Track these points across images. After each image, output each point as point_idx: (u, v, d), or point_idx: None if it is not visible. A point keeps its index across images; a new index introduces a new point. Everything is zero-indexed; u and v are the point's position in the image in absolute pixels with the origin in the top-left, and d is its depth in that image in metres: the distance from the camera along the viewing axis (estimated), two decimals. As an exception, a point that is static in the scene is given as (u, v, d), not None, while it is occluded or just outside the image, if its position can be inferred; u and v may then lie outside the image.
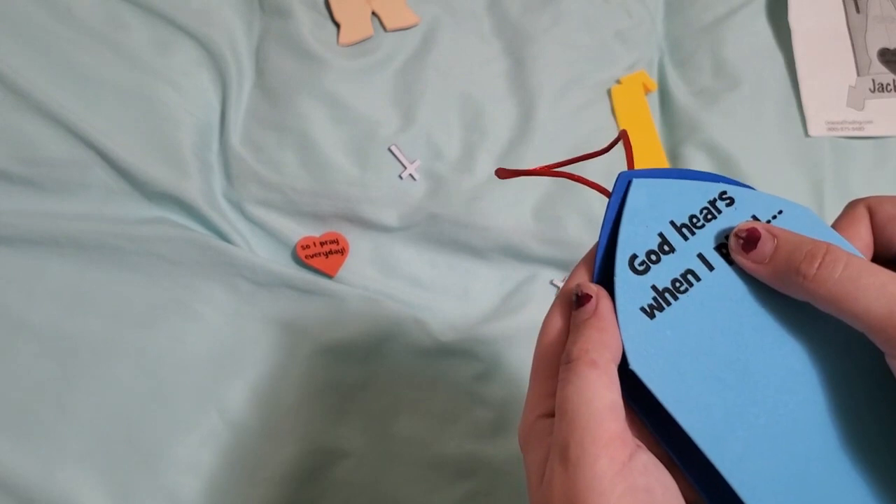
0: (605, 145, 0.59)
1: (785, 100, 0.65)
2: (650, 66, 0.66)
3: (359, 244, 0.56)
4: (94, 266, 0.52)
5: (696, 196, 0.26)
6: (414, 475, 0.52)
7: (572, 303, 0.25)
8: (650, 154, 0.63)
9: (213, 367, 0.52)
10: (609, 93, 0.64)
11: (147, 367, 0.51)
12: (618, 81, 0.64)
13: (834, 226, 0.26)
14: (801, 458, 0.23)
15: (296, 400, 0.52)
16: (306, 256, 0.55)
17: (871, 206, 0.26)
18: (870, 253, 0.26)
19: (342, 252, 0.55)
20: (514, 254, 0.57)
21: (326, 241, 0.55)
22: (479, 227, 0.56)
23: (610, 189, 0.27)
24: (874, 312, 0.21)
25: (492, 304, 0.57)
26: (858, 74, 0.66)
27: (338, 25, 0.61)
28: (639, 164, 0.62)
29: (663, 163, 0.62)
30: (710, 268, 0.25)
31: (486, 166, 0.59)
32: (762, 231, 0.24)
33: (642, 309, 0.24)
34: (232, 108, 0.57)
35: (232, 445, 0.51)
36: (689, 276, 0.25)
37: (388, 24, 0.61)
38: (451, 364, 0.54)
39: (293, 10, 0.60)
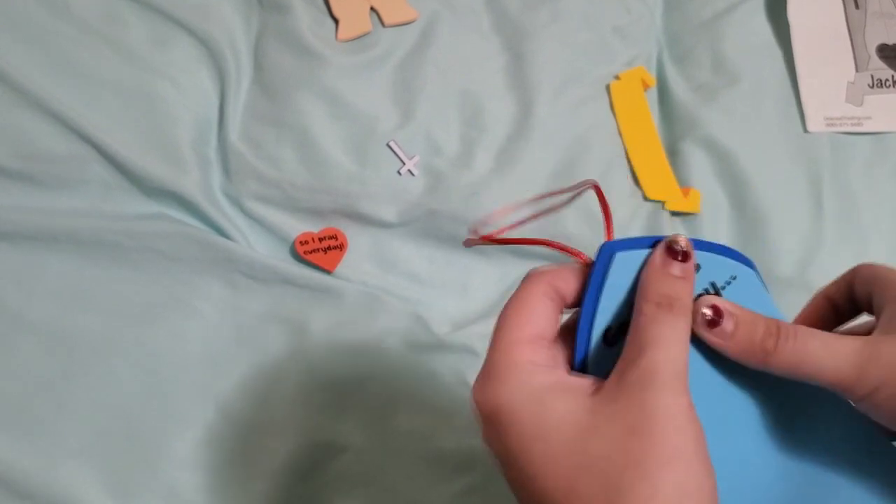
0: (601, 145, 0.59)
1: (784, 96, 0.65)
2: (649, 61, 0.66)
3: (357, 240, 0.56)
4: (93, 262, 0.52)
5: None
6: (412, 470, 0.52)
7: (673, 251, 0.26)
8: (649, 151, 0.63)
9: (212, 362, 0.52)
10: (608, 89, 0.64)
11: (146, 363, 0.51)
12: (616, 77, 0.64)
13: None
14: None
15: (294, 395, 0.52)
16: (305, 252, 0.55)
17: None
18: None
19: (341, 248, 0.56)
20: (513, 250, 0.57)
21: (325, 237, 0.55)
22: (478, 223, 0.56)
23: (590, 256, 0.28)
24: (828, 370, 0.25)
25: (490, 299, 0.57)
26: (857, 70, 0.66)
27: (336, 21, 0.61)
28: (639, 164, 0.62)
29: (663, 161, 0.62)
30: None
31: (484, 162, 0.59)
32: (723, 310, 0.26)
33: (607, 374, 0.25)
34: (230, 103, 0.57)
35: (231, 440, 0.51)
36: None
37: (387, 19, 0.61)
38: (450, 359, 0.54)
39: (292, 5, 0.59)
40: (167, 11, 0.58)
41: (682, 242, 0.26)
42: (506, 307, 0.27)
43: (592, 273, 0.26)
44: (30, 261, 0.52)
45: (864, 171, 0.64)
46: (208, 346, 0.52)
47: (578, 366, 0.26)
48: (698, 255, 0.27)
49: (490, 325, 0.56)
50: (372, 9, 0.61)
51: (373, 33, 0.61)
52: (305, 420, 0.52)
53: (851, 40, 0.67)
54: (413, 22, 0.62)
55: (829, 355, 0.25)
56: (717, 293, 0.27)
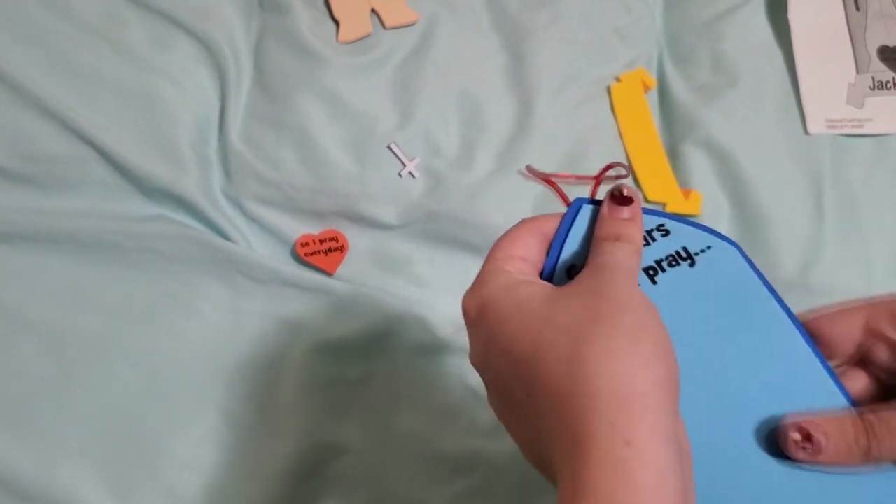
0: (602, 145, 0.59)
1: (784, 97, 0.65)
2: (649, 62, 0.66)
3: (358, 241, 0.56)
4: (93, 262, 0.52)
5: None
6: (413, 471, 0.52)
7: (609, 198, 0.29)
8: (650, 153, 0.62)
9: (212, 363, 0.52)
10: (608, 90, 0.64)
11: (146, 364, 0.51)
12: (617, 79, 0.64)
13: (821, 318, 0.30)
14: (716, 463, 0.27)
15: (295, 396, 0.52)
16: (306, 254, 0.55)
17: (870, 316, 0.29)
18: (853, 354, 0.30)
19: (341, 249, 0.55)
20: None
21: (326, 239, 0.55)
22: (479, 224, 0.56)
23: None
24: None
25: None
26: (858, 72, 0.66)
27: (337, 23, 0.61)
28: (639, 166, 0.63)
29: (663, 163, 0.62)
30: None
31: (485, 163, 0.59)
32: (808, 426, 0.26)
33: None
34: (231, 104, 0.57)
35: (231, 441, 0.51)
36: None
37: (388, 21, 0.61)
38: (451, 360, 0.54)
39: (292, 6, 0.59)
40: (167, 12, 0.58)
41: (625, 190, 0.29)
42: (498, 239, 0.30)
43: (563, 220, 0.30)
44: (30, 261, 0.52)
45: (865, 173, 0.64)
46: (208, 347, 0.52)
47: None
48: (669, 223, 0.30)
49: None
50: (373, 11, 0.61)
51: (373, 35, 0.61)
52: (306, 421, 0.52)
53: (852, 42, 0.67)
54: (414, 24, 0.62)
55: None
56: (690, 258, 0.29)
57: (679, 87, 0.65)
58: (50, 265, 0.52)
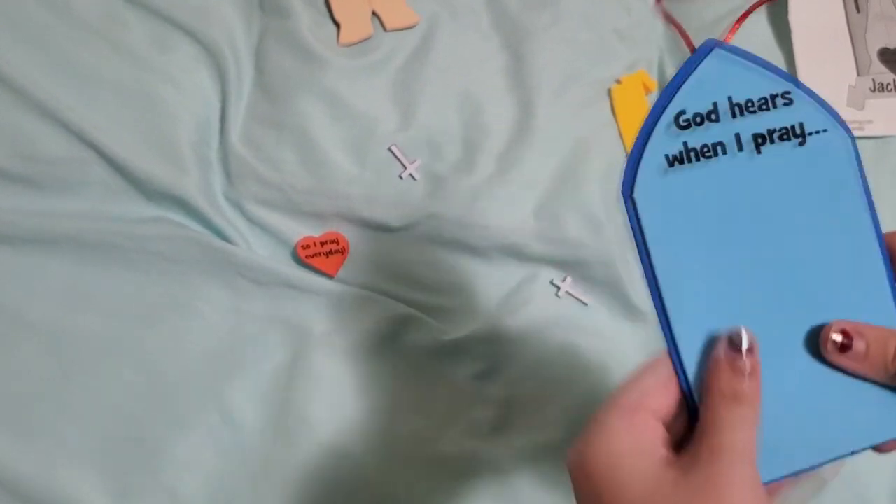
0: (602, 147, 0.59)
1: (785, 99, 0.65)
2: (650, 64, 0.66)
3: (359, 244, 0.56)
4: (93, 264, 0.52)
5: (762, 85, 0.28)
6: (414, 473, 0.52)
7: (727, 344, 0.27)
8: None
9: (213, 365, 0.52)
10: (609, 92, 0.64)
11: (146, 366, 0.51)
12: (618, 81, 0.64)
13: None
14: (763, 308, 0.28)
15: (296, 398, 0.52)
16: (306, 256, 0.55)
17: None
18: None
19: (342, 252, 0.55)
20: (515, 253, 0.57)
21: (326, 241, 0.55)
22: (480, 227, 0.56)
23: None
24: None
25: (492, 303, 0.57)
26: (858, 74, 0.66)
27: (338, 25, 0.61)
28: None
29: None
30: (739, 149, 0.28)
31: (485, 166, 0.59)
32: (852, 332, 0.27)
33: (666, 156, 0.27)
34: (231, 106, 0.57)
35: (232, 444, 0.51)
36: (719, 148, 0.27)
37: (389, 23, 0.61)
38: (452, 363, 0.54)
39: (292, 8, 0.59)
40: (168, 13, 0.58)
41: (745, 335, 0.27)
42: (624, 382, 0.28)
43: (688, 59, 0.28)
44: (30, 263, 0.52)
45: (866, 174, 0.63)
46: (209, 349, 0.52)
47: (641, 143, 0.27)
48: (795, 93, 0.28)
49: (491, 328, 0.56)
50: (373, 13, 0.61)
51: (374, 37, 0.61)
52: (306, 424, 0.52)
53: (853, 43, 0.67)
54: (414, 26, 0.62)
55: None
56: (804, 136, 0.28)
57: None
58: (50, 266, 0.52)
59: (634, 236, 0.27)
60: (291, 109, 0.57)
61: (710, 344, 0.27)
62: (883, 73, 0.66)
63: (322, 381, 0.53)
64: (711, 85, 0.27)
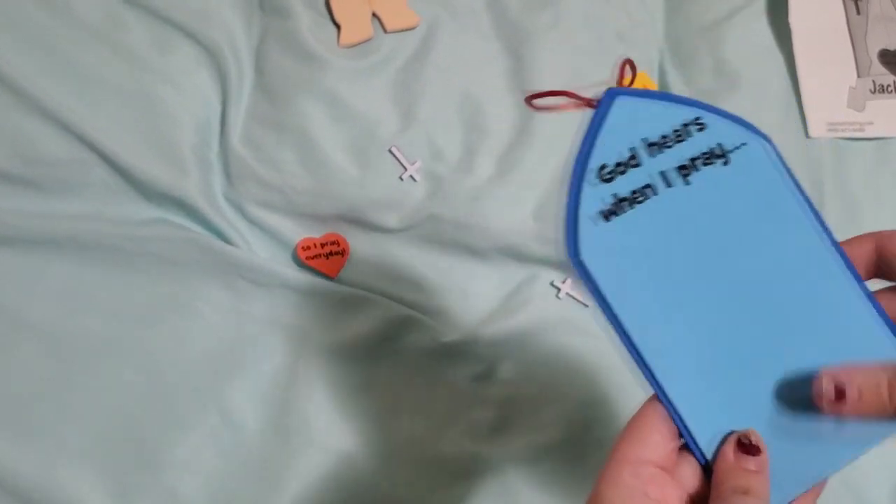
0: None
1: (785, 101, 0.65)
2: (650, 66, 0.66)
3: (359, 245, 0.56)
4: (94, 266, 0.52)
5: (671, 118, 0.28)
6: (414, 474, 0.52)
7: (736, 445, 0.28)
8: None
9: (213, 367, 0.52)
10: (609, 93, 0.64)
11: (147, 367, 0.51)
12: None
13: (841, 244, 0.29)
14: (728, 354, 0.27)
15: (296, 400, 0.52)
16: (307, 258, 0.55)
17: (879, 240, 0.29)
18: (870, 274, 0.30)
19: (342, 253, 0.56)
20: (515, 254, 0.57)
21: (327, 243, 0.55)
22: (480, 228, 0.56)
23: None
24: None
25: (492, 304, 0.57)
26: (859, 75, 0.66)
27: (338, 26, 0.61)
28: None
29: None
30: (668, 185, 0.28)
31: (486, 167, 0.59)
32: (842, 380, 0.27)
33: (601, 212, 0.27)
34: (232, 107, 0.57)
35: (232, 445, 0.51)
36: (648, 190, 0.28)
37: (389, 25, 0.61)
38: (452, 364, 0.54)
39: (293, 9, 0.59)
40: (168, 15, 0.58)
41: (753, 438, 0.28)
42: (623, 434, 0.28)
43: (595, 112, 0.28)
44: (31, 264, 0.52)
45: (866, 176, 0.64)
46: (210, 351, 0.52)
47: (573, 205, 0.28)
48: (706, 117, 0.28)
49: (491, 329, 0.56)
50: (374, 14, 0.62)
51: (374, 38, 0.61)
52: (306, 425, 0.52)
53: (853, 45, 0.67)
54: (415, 27, 0.62)
55: None
56: (725, 156, 0.28)
57: (680, 91, 0.65)
58: (51, 268, 0.52)
59: (594, 296, 0.27)
60: (292, 111, 0.57)
61: (712, 405, 0.27)
62: (883, 75, 0.66)
63: (322, 382, 0.53)
64: (623, 132, 0.28)
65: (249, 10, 0.61)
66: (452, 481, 0.52)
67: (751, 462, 0.27)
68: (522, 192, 0.58)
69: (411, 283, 0.56)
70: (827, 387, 0.27)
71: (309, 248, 0.55)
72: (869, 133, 0.64)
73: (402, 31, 0.62)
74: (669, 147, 0.28)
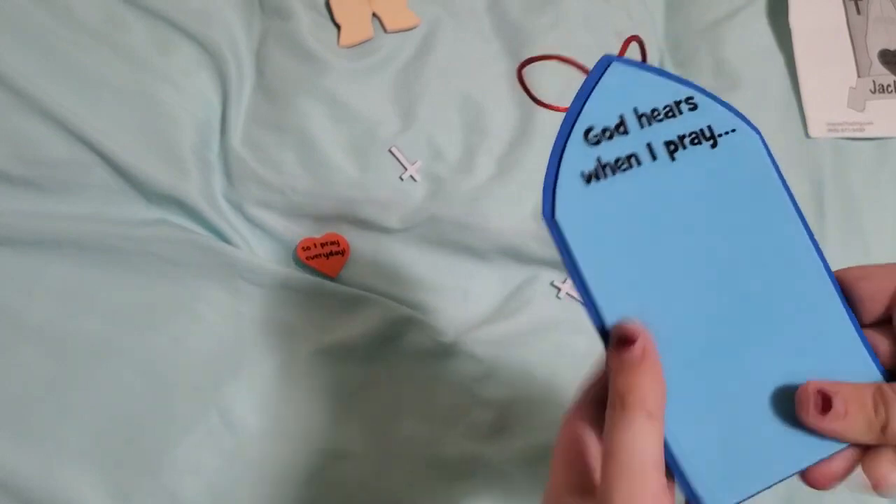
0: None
1: (785, 101, 0.65)
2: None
3: (359, 245, 0.56)
4: (95, 266, 0.52)
5: (664, 93, 0.28)
6: (414, 475, 0.52)
7: (614, 341, 0.25)
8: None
9: (214, 367, 0.52)
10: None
11: (147, 368, 0.51)
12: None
13: (852, 270, 0.28)
14: (697, 328, 0.27)
15: (296, 400, 0.52)
16: (307, 258, 0.55)
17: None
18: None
19: (343, 253, 0.56)
20: (515, 255, 0.57)
21: (327, 243, 0.55)
22: (480, 229, 0.56)
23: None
24: None
25: (492, 305, 0.57)
26: (859, 75, 0.66)
27: (338, 27, 0.61)
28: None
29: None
30: (653, 158, 0.27)
31: (486, 168, 0.59)
32: (829, 392, 0.25)
33: (582, 174, 0.26)
34: (232, 108, 0.57)
35: (232, 446, 0.51)
36: (632, 160, 0.27)
37: (389, 25, 0.61)
38: (452, 365, 0.54)
39: (293, 10, 0.60)
40: (169, 16, 0.58)
41: (628, 326, 0.25)
42: (627, 377, 0.25)
43: (588, 76, 0.27)
44: (32, 265, 0.52)
45: (866, 176, 0.64)
46: (210, 351, 0.52)
47: (555, 164, 0.27)
48: (698, 97, 0.28)
49: (491, 330, 0.56)
50: (374, 15, 0.62)
51: (375, 39, 0.61)
52: (307, 425, 0.52)
53: (853, 45, 0.67)
54: (415, 28, 0.62)
55: None
56: (714, 138, 0.28)
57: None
58: (51, 268, 0.52)
59: (564, 259, 0.27)
60: (292, 111, 0.57)
61: None
62: (883, 75, 0.66)
63: (322, 382, 0.53)
64: (615, 98, 0.27)
65: (250, 11, 0.61)
66: (452, 481, 0.52)
67: (632, 352, 0.24)
68: (522, 192, 0.58)
69: (411, 283, 0.56)
70: (815, 396, 0.25)
71: (309, 248, 0.55)
72: (869, 133, 0.64)
73: (403, 31, 0.62)
74: (659, 121, 0.27)
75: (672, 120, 0.27)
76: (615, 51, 0.65)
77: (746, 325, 0.27)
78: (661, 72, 0.28)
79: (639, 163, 0.27)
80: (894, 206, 0.63)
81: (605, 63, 0.27)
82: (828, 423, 0.25)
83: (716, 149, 0.28)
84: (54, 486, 0.48)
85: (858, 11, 0.67)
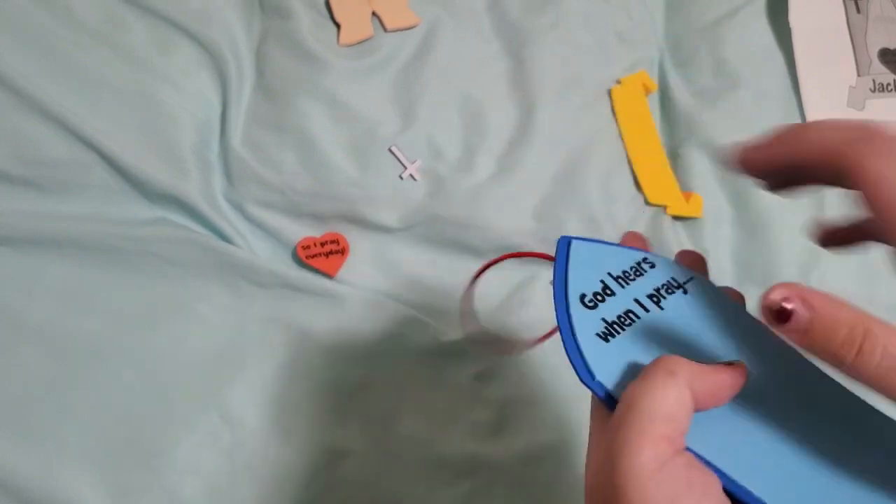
0: (603, 148, 0.59)
1: (785, 100, 0.65)
2: (651, 66, 0.66)
3: (359, 244, 0.56)
4: (95, 266, 0.52)
5: (624, 258, 0.31)
6: (414, 474, 0.52)
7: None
8: (651, 155, 0.62)
9: (214, 367, 0.52)
10: (609, 93, 0.64)
11: (147, 368, 0.51)
12: (618, 82, 0.64)
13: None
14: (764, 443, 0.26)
15: (296, 400, 0.52)
16: (307, 257, 0.55)
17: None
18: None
19: (342, 252, 0.56)
20: (515, 254, 0.57)
21: (327, 242, 0.55)
22: (480, 228, 0.56)
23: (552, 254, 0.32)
24: None
25: (492, 304, 0.57)
26: (859, 74, 0.66)
27: (338, 26, 0.61)
28: (640, 168, 0.63)
29: (664, 165, 0.62)
30: (646, 310, 0.29)
31: (486, 167, 0.59)
32: (797, 302, 0.22)
33: (598, 335, 0.28)
34: (232, 108, 0.57)
35: (232, 445, 0.51)
36: (630, 315, 0.29)
37: (389, 24, 0.61)
38: (452, 364, 0.54)
39: (293, 10, 0.60)
40: (169, 16, 0.58)
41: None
42: (639, 391, 0.24)
43: (556, 258, 0.30)
44: (32, 265, 0.52)
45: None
46: (210, 351, 0.52)
47: (570, 335, 0.28)
48: (652, 257, 0.31)
49: (491, 329, 0.56)
50: (374, 14, 0.62)
51: (374, 38, 0.61)
52: (307, 424, 0.52)
53: (853, 44, 0.67)
54: (415, 27, 0.62)
55: None
56: (682, 286, 0.30)
57: (680, 91, 0.65)
58: (51, 268, 0.52)
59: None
60: (292, 111, 0.57)
61: None
62: (883, 74, 0.66)
63: (322, 381, 0.53)
64: (590, 268, 0.30)
65: (250, 11, 0.61)
66: (454, 481, 0.52)
67: None
68: (522, 191, 0.58)
69: (411, 282, 0.56)
70: (775, 295, 0.22)
71: (309, 246, 0.55)
72: (869, 132, 0.64)
73: (402, 30, 0.62)
74: (632, 280, 0.30)
75: (642, 278, 0.30)
76: (614, 49, 0.65)
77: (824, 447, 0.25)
78: (611, 243, 0.31)
79: (637, 316, 0.29)
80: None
81: (565, 243, 0.30)
82: (786, 332, 0.22)
83: (688, 294, 0.30)
84: (54, 486, 0.48)
85: (858, 10, 0.67)
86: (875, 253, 0.63)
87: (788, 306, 0.22)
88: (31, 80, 0.53)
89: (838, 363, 0.21)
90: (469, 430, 0.53)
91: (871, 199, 0.23)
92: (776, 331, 0.22)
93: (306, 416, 0.52)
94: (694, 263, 0.32)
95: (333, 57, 0.59)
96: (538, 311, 0.56)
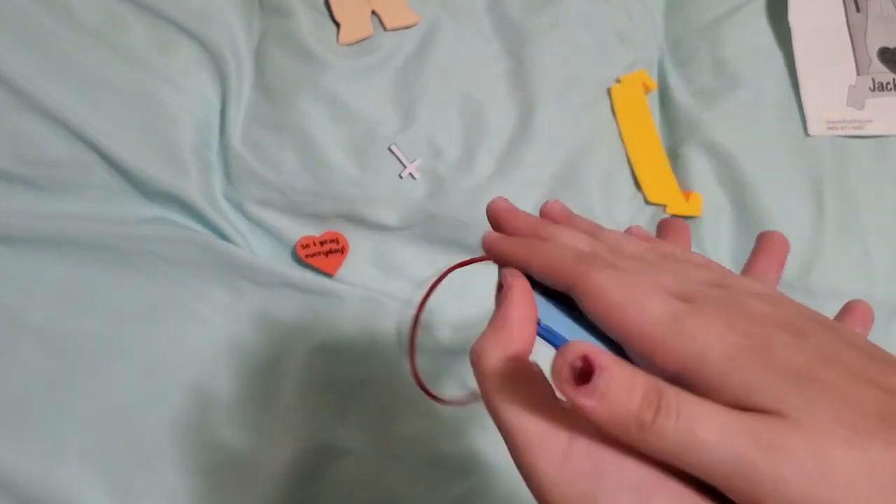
0: (603, 147, 0.59)
1: (785, 99, 0.65)
2: (650, 65, 0.66)
3: (359, 243, 0.56)
4: (94, 266, 0.52)
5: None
6: (413, 474, 0.52)
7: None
8: (650, 155, 0.63)
9: (213, 366, 0.52)
10: (609, 92, 0.64)
11: (147, 367, 0.51)
12: (618, 81, 0.64)
13: None
14: None
15: (296, 399, 0.52)
16: (306, 256, 0.55)
17: None
18: None
19: (342, 251, 0.56)
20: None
21: (326, 241, 0.55)
22: (479, 227, 0.56)
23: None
24: (717, 470, 0.18)
25: (491, 303, 0.57)
26: (858, 73, 0.66)
27: (338, 25, 0.61)
28: (640, 168, 0.63)
29: (664, 164, 0.62)
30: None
31: (486, 166, 0.59)
32: (595, 362, 0.18)
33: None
34: (232, 107, 0.57)
35: (232, 444, 0.51)
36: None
37: (388, 23, 0.61)
38: (451, 362, 0.54)
39: (293, 9, 0.60)
40: (169, 15, 0.58)
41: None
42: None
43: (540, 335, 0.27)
44: (32, 264, 0.52)
45: (866, 174, 0.64)
46: (209, 350, 0.52)
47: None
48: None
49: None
50: (373, 12, 0.62)
51: (374, 37, 0.61)
52: (306, 424, 0.52)
53: (852, 43, 0.67)
54: (414, 26, 0.62)
55: (723, 448, 0.18)
56: None
57: (680, 90, 0.65)
58: (51, 268, 0.52)
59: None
60: (291, 110, 0.57)
61: None
62: (883, 73, 0.66)
63: (321, 381, 0.53)
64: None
65: (249, 10, 0.61)
66: (452, 480, 0.52)
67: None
68: (522, 191, 0.58)
69: (411, 281, 0.56)
70: (573, 359, 0.18)
71: (308, 245, 0.55)
72: (868, 131, 0.64)
73: (402, 28, 0.62)
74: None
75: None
76: (614, 49, 0.65)
77: None
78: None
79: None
80: (893, 203, 0.63)
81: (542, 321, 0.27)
82: (582, 398, 0.18)
83: None
84: (54, 486, 0.48)
85: (858, 9, 0.67)
86: (875, 252, 0.63)
87: (583, 362, 0.18)
88: (31, 80, 0.53)
89: (638, 427, 0.19)
90: (468, 429, 0.53)
91: (592, 311, 0.24)
92: (576, 394, 0.18)
93: (305, 415, 0.52)
94: (677, 234, 0.31)
95: (333, 56, 0.59)
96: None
